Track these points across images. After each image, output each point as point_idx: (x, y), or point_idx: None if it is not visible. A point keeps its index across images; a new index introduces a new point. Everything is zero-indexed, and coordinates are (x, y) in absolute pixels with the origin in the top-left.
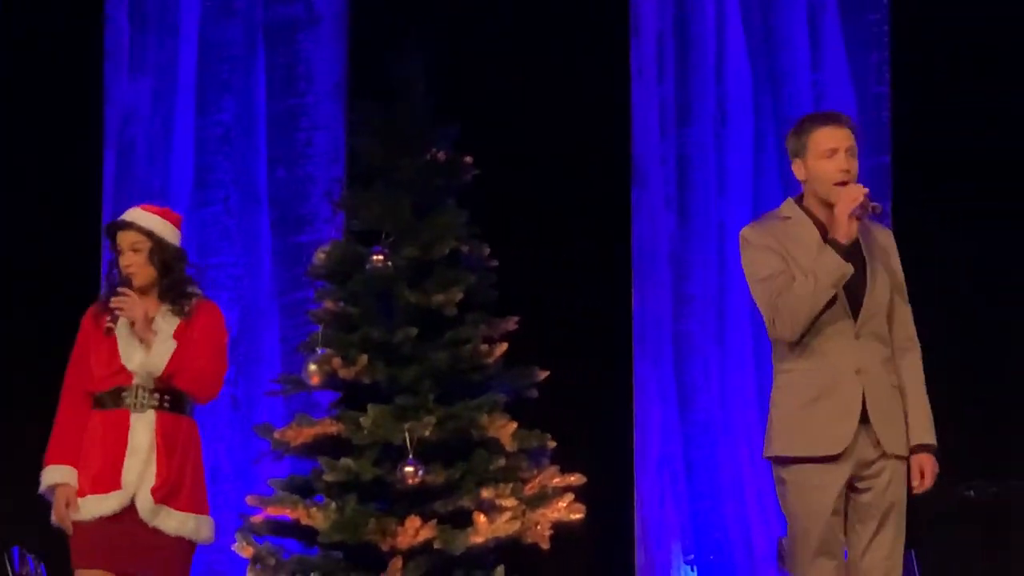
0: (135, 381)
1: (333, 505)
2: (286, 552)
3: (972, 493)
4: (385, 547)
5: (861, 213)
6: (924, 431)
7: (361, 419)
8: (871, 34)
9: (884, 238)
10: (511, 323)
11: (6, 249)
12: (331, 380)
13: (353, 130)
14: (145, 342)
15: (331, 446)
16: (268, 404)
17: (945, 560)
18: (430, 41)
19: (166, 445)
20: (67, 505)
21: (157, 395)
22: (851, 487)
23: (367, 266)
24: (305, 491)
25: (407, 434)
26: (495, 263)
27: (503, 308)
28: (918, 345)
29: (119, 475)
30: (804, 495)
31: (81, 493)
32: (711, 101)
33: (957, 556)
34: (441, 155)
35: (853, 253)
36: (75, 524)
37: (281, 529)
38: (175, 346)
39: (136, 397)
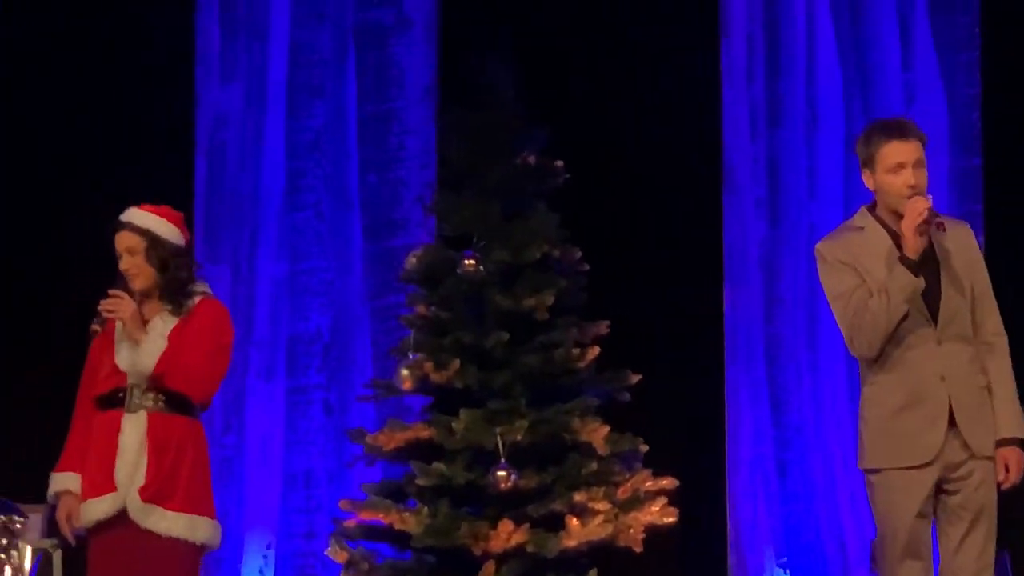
0: (129, 381)
1: (426, 510)
2: (379, 557)
3: None
4: (478, 551)
5: (925, 228)
6: (1009, 424)
7: (453, 423)
8: (962, 34)
9: (960, 236)
10: (602, 327)
11: (101, 253)
12: (423, 385)
13: (444, 134)
14: (136, 341)
15: (423, 451)
16: (360, 409)
17: None
18: (520, 45)
19: (157, 445)
20: (68, 516)
21: (151, 395)
22: (941, 489)
23: (458, 270)
24: (398, 496)
25: (499, 438)
26: (586, 267)
27: (594, 312)
28: (1004, 337)
29: (112, 477)
30: (891, 498)
31: (83, 498)
32: (801, 102)
33: None
34: (531, 159)
35: (925, 261)
36: (81, 534)
37: (374, 534)
38: (165, 345)
39: (131, 397)
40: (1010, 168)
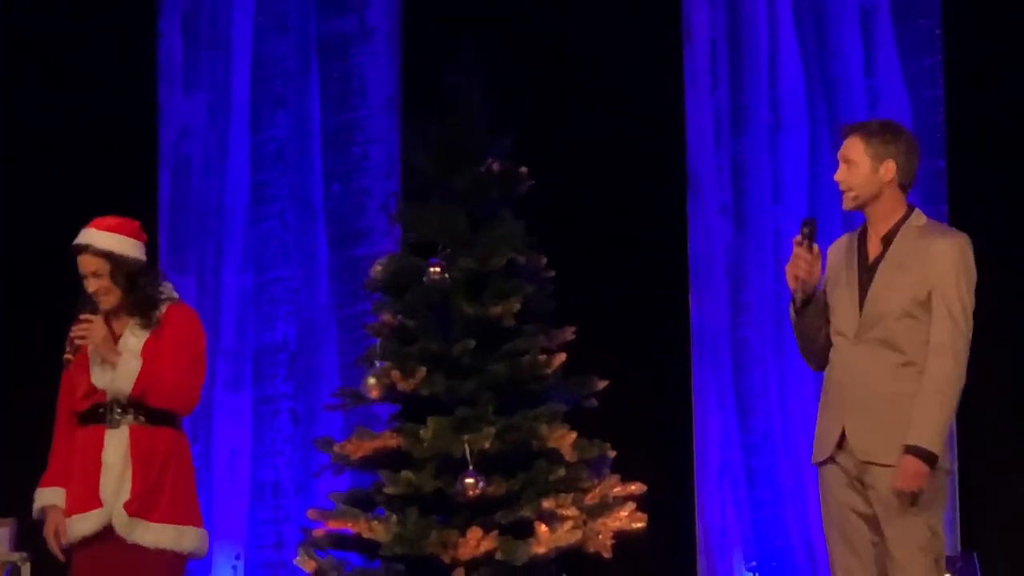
0: (108, 398)
1: (394, 518)
2: (348, 566)
3: None
4: (447, 559)
5: (796, 270)
6: (912, 434)
7: (421, 432)
8: (924, 39)
9: (934, 246)
10: (569, 333)
11: (62, 265)
12: (390, 393)
13: (408, 143)
14: (110, 363)
15: (391, 459)
16: (327, 418)
17: (1013, 564)
18: (483, 52)
19: (140, 459)
20: (55, 531)
21: (132, 410)
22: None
23: (424, 279)
24: (366, 504)
25: (467, 446)
26: (552, 273)
27: (561, 318)
28: (942, 354)
29: (97, 493)
30: (821, 490)
31: (67, 514)
32: (765, 108)
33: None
34: (496, 166)
35: (873, 264)
36: (68, 548)
37: (342, 542)
38: (140, 364)
39: (111, 413)
40: (974, 169)
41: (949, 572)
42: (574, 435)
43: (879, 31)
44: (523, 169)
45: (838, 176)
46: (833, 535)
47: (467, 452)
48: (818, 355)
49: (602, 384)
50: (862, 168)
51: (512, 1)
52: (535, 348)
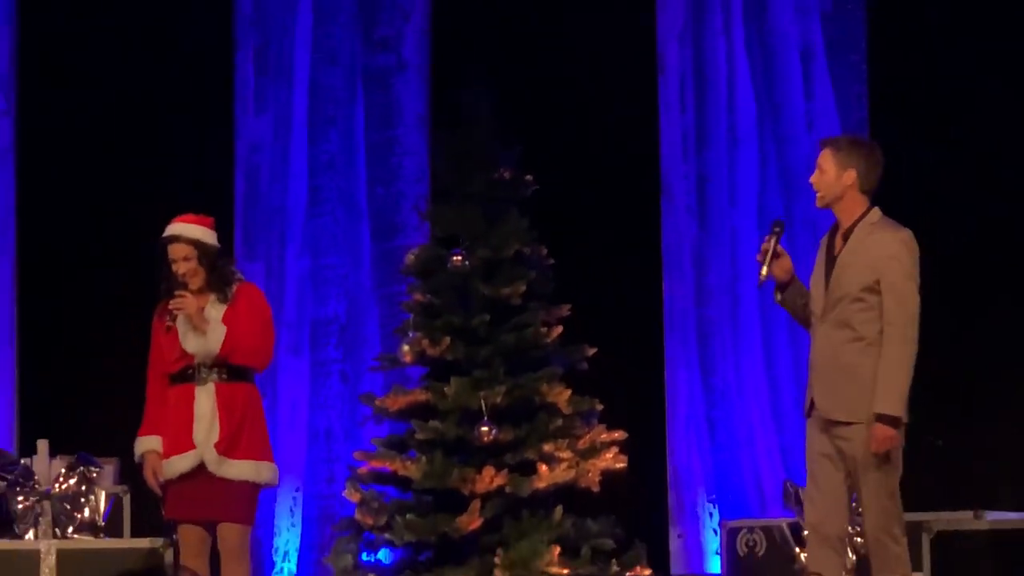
0: (196, 361)
1: (424, 459)
2: (386, 497)
3: (940, 443)
4: (466, 492)
5: (766, 260)
6: (879, 403)
7: (445, 389)
8: (853, 71)
9: (878, 241)
10: (565, 310)
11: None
12: (420, 358)
13: (435, 155)
14: (200, 331)
15: (421, 411)
16: (370, 378)
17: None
18: (496, 80)
19: (225, 408)
20: (154, 471)
21: (216, 370)
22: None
23: (448, 265)
24: (401, 447)
25: (482, 401)
26: (551, 261)
27: (558, 297)
28: (893, 334)
29: (191, 438)
30: (806, 437)
31: (164, 456)
32: (723, 128)
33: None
34: (507, 173)
35: (836, 254)
36: (164, 484)
37: (382, 478)
38: (225, 330)
39: (199, 373)
40: (895, 180)
41: None
42: (569, 392)
43: (816, 65)
44: (528, 176)
45: (812, 180)
46: (808, 471)
47: (482, 406)
48: (804, 322)
49: (591, 351)
50: (829, 174)
51: (518, 41)
52: (537, 322)
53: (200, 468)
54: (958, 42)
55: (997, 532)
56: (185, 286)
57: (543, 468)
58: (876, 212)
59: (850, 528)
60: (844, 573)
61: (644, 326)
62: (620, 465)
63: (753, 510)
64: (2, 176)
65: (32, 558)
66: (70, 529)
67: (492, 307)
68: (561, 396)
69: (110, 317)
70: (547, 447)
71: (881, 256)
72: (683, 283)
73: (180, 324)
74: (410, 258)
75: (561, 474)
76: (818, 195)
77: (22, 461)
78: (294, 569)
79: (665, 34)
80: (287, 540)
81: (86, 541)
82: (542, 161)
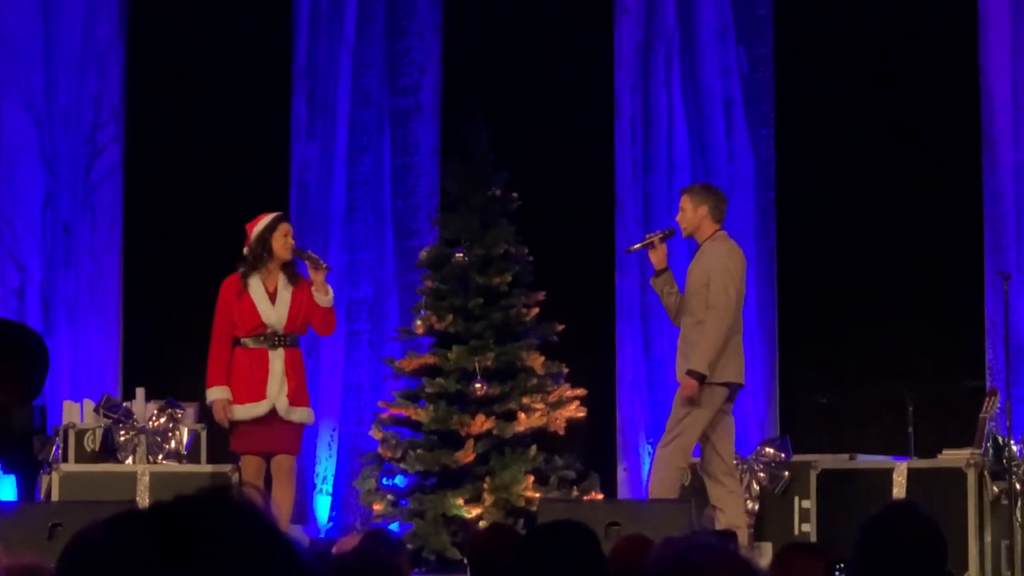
0: (269, 329)
1: (431, 407)
2: (402, 436)
3: (824, 401)
4: (463, 433)
5: (641, 248)
6: (691, 363)
7: (448, 354)
8: (763, 118)
9: (709, 250)
10: (540, 295)
11: (221, 247)
12: (430, 330)
13: (444, 176)
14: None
15: (430, 371)
16: (391, 345)
17: (805, 442)
18: (492, 119)
19: (291, 370)
20: (224, 414)
21: (281, 337)
22: None
23: (452, 260)
24: (414, 398)
25: (476, 364)
26: (531, 258)
27: (536, 286)
28: (708, 318)
29: (264, 390)
30: None
31: (238, 403)
32: (664, 159)
33: (821, 432)
34: (497, 191)
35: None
36: (233, 423)
37: (399, 422)
38: (290, 305)
39: (271, 340)
40: (792, 201)
41: (771, 448)
42: (542, 358)
43: (735, 111)
44: (514, 194)
45: (677, 219)
46: None
47: (476, 367)
48: (669, 310)
49: (560, 327)
50: (687, 213)
51: (509, 90)
52: (520, 304)
53: (269, 413)
54: (851, 95)
55: (866, 471)
56: (304, 254)
57: (522, 416)
58: (720, 234)
59: (736, 461)
60: (733, 496)
61: (601, 309)
62: (580, 414)
63: None
64: (113, 187)
65: (131, 479)
66: (160, 457)
67: (485, 292)
68: (536, 361)
69: (190, 293)
70: (525, 400)
71: (711, 262)
72: (631, 277)
73: (252, 294)
74: (423, 255)
75: (535, 420)
76: (682, 227)
77: (124, 403)
78: (330, 490)
79: (620, 86)
80: (325, 468)
81: (172, 466)
82: (526, 182)
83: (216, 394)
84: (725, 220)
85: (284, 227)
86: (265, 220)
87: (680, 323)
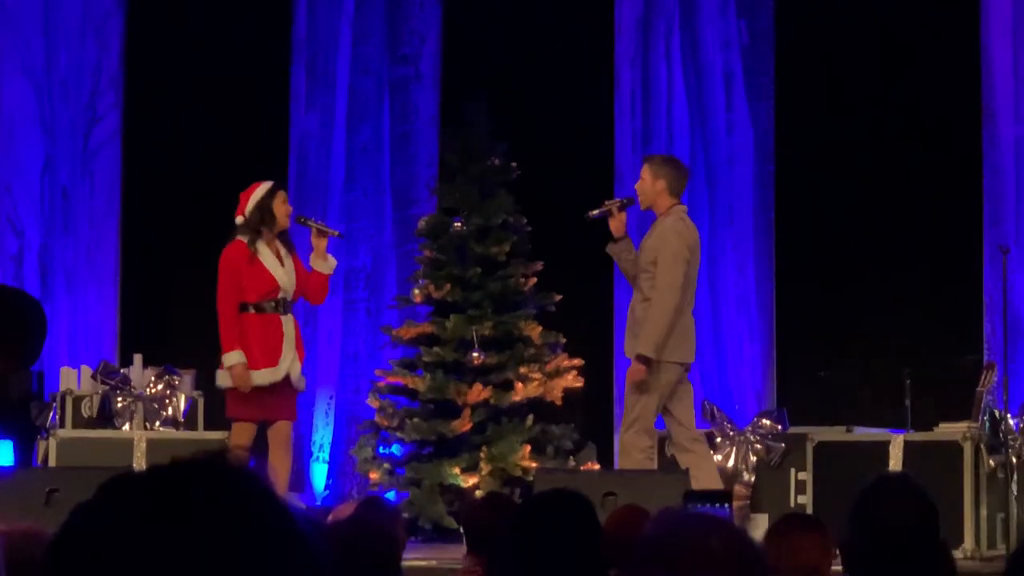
0: (281, 295)
1: (429, 376)
2: (399, 404)
3: (823, 374)
4: (460, 402)
5: (599, 215)
6: (639, 345)
7: (446, 323)
8: (763, 90)
9: (660, 227)
10: (538, 265)
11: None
12: (428, 299)
13: (443, 145)
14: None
15: (427, 339)
16: (388, 314)
17: (802, 415)
18: (491, 89)
19: (298, 336)
20: (243, 378)
21: (289, 303)
22: None
23: (450, 230)
24: (411, 367)
25: (474, 333)
26: (529, 229)
27: (534, 256)
28: (656, 297)
29: (278, 356)
30: None
31: (253, 368)
32: (663, 131)
33: (818, 405)
34: (496, 161)
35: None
36: (231, 388)
37: (396, 390)
38: (295, 272)
39: (283, 305)
40: (791, 174)
41: (768, 420)
42: (540, 328)
43: (735, 84)
44: (513, 164)
45: (636, 186)
46: None
47: (474, 337)
48: (627, 275)
49: (557, 297)
50: (647, 183)
51: (509, 60)
52: (517, 274)
53: (279, 380)
54: (851, 69)
55: (861, 443)
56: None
57: (519, 385)
58: (676, 209)
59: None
60: (703, 459)
61: (598, 280)
62: (577, 384)
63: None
64: (111, 154)
65: (127, 445)
66: (157, 423)
67: (483, 262)
68: (534, 331)
69: (187, 262)
70: (522, 369)
71: (658, 241)
72: None
73: (264, 259)
74: (421, 224)
75: (532, 390)
76: (640, 198)
77: (121, 370)
78: (327, 457)
79: (620, 59)
80: (322, 436)
81: (169, 433)
82: (525, 152)
83: (235, 358)
84: (723, 190)
85: (283, 194)
86: (263, 187)
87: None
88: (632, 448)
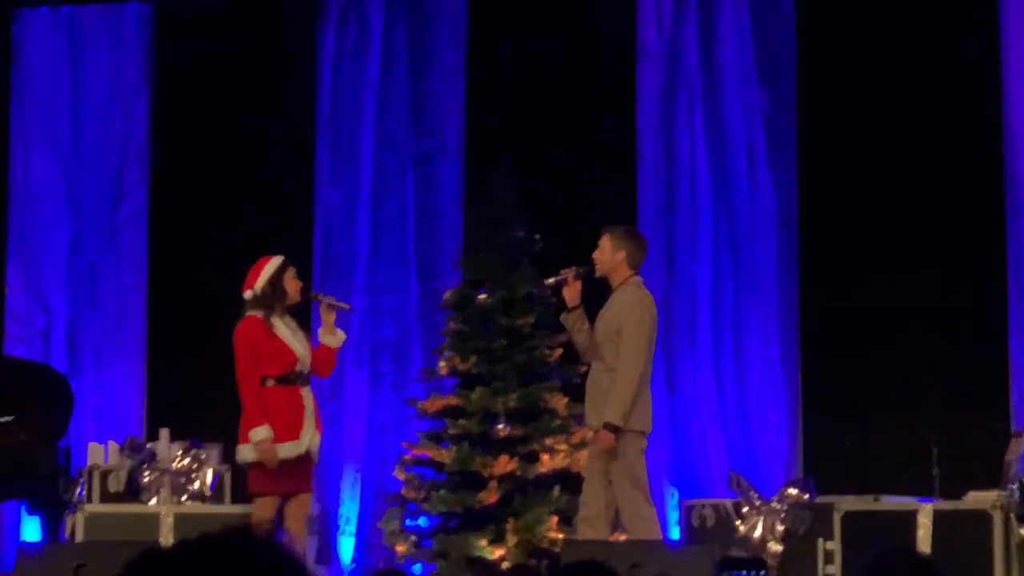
0: (299, 367)
1: (454, 448)
2: (425, 477)
3: (849, 443)
4: (486, 474)
5: (555, 282)
6: (605, 414)
7: (471, 395)
8: (785, 161)
9: (624, 297)
10: (563, 337)
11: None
12: (453, 371)
13: (467, 219)
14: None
15: (453, 412)
16: (414, 386)
17: (829, 483)
18: (515, 159)
19: (316, 408)
20: (272, 451)
21: (305, 376)
22: None
23: (475, 302)
24: (437, 439)
25: (500, 405)
26: (554, 300)
27: (559, 327)
28: (621, 367)
29: (299, 429)
30: None
31: (277, 442)
32: (686, 201)
33: (845, 473)
34: (521, 234)
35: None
36: (257, 464)
37: (422, 463)
38: (308, 344)
39: (302, 378)
40: (815, 243)
41: (795, 488)
42: (566, 399)
43: (757, 153)
44: (537, 236)
45: (594, 255)
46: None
47: (500, 409)
48: (579, 347)
49: (583, 369)
50: (606, 254)
51: (533, 132)
52: (543, 345)
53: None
54: (875, 138)
55: (890, 512)
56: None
57: (545, 457)
58: (635, 279)
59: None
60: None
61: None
62: None
63: (704, 491)
64: (138, 229)
65: (155, 519)
66: (184, 497)
67: (508, 334)
68: (560, 402)
69: (213, 336)
70: (548, 441)
71: (624, 310)
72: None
73: (280, 333)
74: (447, 296)
75: (559, 461)
76: (598, 267)
77: (148, 445)
78: (354, 531)
79: (643, 129)
80: (349, 508)
81: (196, 507)
82: (548, 224)
83: (263, 433)
84: (746, 259)
85: (292, 269)
86: (274, 263)
87: (591, 360)
88: (635, 520)
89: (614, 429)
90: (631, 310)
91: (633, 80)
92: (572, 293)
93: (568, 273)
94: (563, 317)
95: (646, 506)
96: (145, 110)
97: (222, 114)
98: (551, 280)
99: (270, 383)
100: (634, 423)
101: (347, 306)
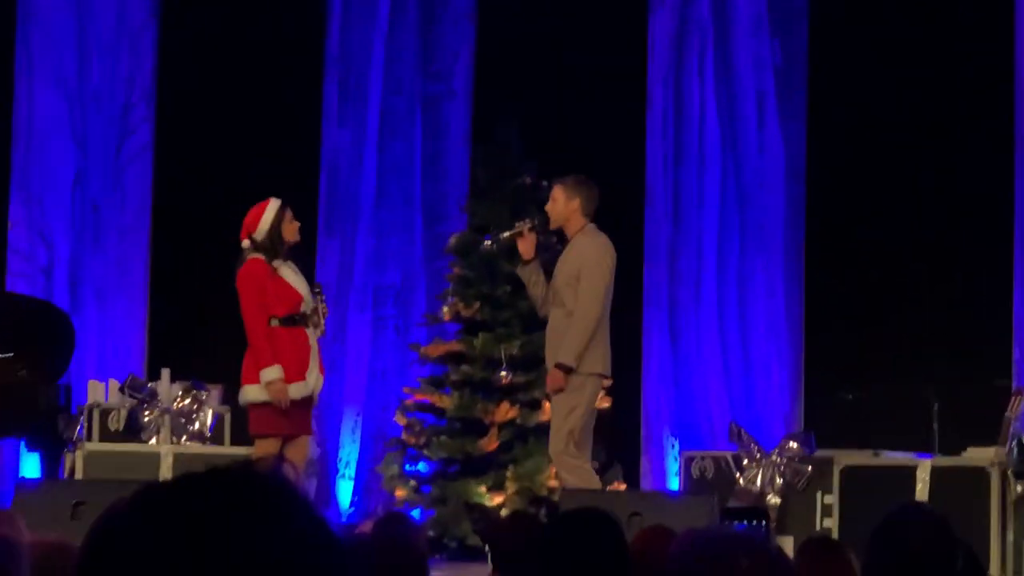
0: (302, 308)
1: (456, 394)
2: (426, 423)
3: (851, 397)
4: (487, 421)
5: (516, 239)
6: (560, 355)
7: (475, 341)
8: (795, 111)
9: (583, 243)
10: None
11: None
12: (456, 317)
13: (474, 163)
14: (303, 284)
15: (456, 358)
16: (417, 331)
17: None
18: (522, 105)
19: (318, 350)
20: (284, 391)
21: (308, 317)
22: None
23: (480, 247)
24: (439, 385)
25: (502, 351)
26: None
27: None
28: (578, 310)
29: (306, 370)
30: None
31: (288, 382)
32: (695, 152)
33: (845, 428)
34: (527, 180)
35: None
36: (258, 404)
37: (423, 408)
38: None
39: (306, 319)
40: (822, 195)
41: (795, 443)
42: None
43: (767, 103)
44: (544, 182)
45: (547, 208)
46: None
47: (502, 355)
48: (535, 300)
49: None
50: (559, 204)
51: (540, 77)
52: None
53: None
54: (885, 90)
55: (888, 467)
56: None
57: (546, 405)
58: (590, 227)
59: None
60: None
61: (628, 301)
62: (606, 405)
63: (705, 443)
64: (143, 167)
65: (154, 459)
66: (183, 438)
67: (512, 280)
68: None
69: (215, 277)
70: None
71: (582, 256)
72: (659, 270)
73: (285, 273)
74: (452, 241)
75: None
76: (552, 219)
77: (149, 384)
78: (353, 475)
79: (653, 78)
80: (349, 452)
81: (195, 447)
82: (556, 171)
83: (274, 373)
84: (754, 211)
85: (289, 212)
86: (272, 208)
87: (547, 312)
88: (575, 465)
89: (567, 370)
90: (591, 253)
91: (645, 27)
92: (527, 246)
93: (523, 225)
94: (519, 270)
95: (578, 452)
96: (152, 46)
97: (230, 52)
98: (506, 234)
99: (275, 324)
100: (593, 365)
101: (321, 325)
